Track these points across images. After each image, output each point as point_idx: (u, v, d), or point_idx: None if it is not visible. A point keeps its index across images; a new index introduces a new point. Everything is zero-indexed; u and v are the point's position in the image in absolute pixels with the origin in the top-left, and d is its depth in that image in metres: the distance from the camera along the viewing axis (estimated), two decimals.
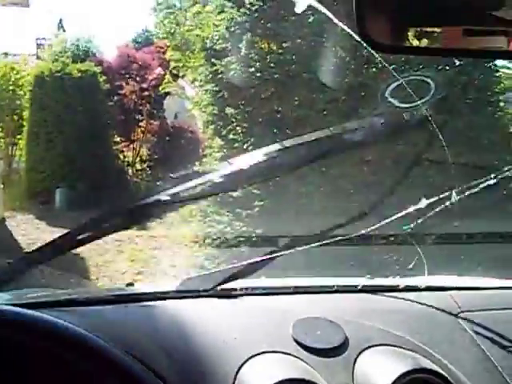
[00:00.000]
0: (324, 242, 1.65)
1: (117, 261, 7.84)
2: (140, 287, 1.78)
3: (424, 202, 1.59)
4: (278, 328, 1.46)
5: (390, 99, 1.42)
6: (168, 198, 1.51)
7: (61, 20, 15.46)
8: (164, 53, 12.41)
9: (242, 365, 1.35)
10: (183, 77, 11.59)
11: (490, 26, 1.22)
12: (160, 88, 12.57)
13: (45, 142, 11.23)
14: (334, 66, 6.13)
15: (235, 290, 1.66)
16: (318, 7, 1.30)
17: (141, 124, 13.60)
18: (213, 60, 7.46)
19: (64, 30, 14.83)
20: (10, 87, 12.35)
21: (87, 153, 11.05)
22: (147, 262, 7.79)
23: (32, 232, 9.22)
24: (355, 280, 1.81)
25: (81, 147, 11.02)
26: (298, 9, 1.31)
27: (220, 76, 7.28)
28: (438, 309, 1.62)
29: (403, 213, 1.60)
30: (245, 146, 6.70)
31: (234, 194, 6.76)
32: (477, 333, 1.53)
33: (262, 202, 6.35)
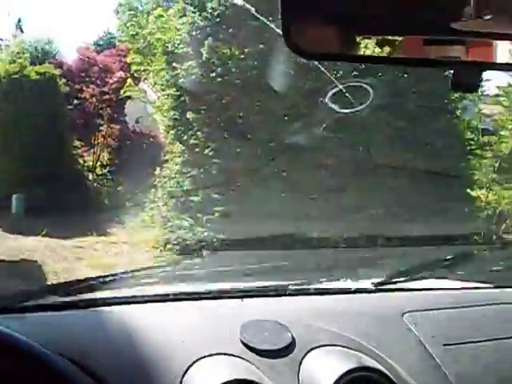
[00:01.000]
0: (277, 246, 1.66)
1: (76, 268, 7.74)
2: (91, 294, 1.76)
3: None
4: (226, 330, 1.46)
5: (331, 104, 1.44)
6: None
7: (19, 20, 15.21)
8: (125, 56, 12.32)
9: (189, 367, 1.35)
10: (145, 81, 11.53)
11: (447, 36, 1.24)
12: (121, 92, 12.48)
13: (1, 146, 11.03)
14: (294, 71, 6.16)
15: (184, 293, 1.66)
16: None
17: (101, 128, 13.47)
18: (174, 64, 7.44)
19: (22, 31, 14.62)
20: None
21: (45, 157, 10.88)
22: (107, 268, 7.71)
23: None
24: (305, 282, 1.83)
25: (39, 152, 10.84)
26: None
27: (181, 80, 7.27)
28: (385, 309, 1.65)
29: None
30: (205, 152, 6.70)
31: (195, 199, 6.76)
32: (420, 332, 1.56)
33: (222, 208, 6.36)
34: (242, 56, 7.04)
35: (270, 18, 6.58)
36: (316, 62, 5.74)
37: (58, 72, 11.76)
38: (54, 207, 10.19)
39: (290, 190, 5.54)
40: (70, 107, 12.44)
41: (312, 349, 1.44)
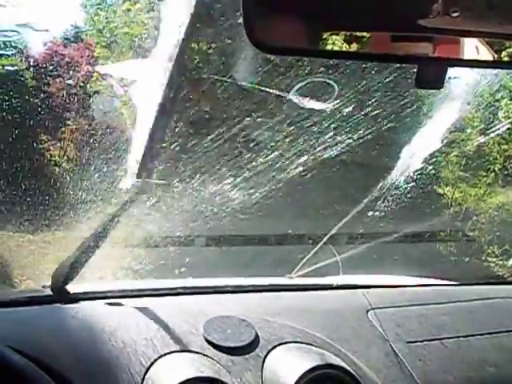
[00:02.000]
0: (236, 241, 1.65)
1: (42, 262, 7.66)
2: (56, 288, 1.74)
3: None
4: (190, 327, 1.46)
5: (295, 100, 1.44)
6: None
7: None
8: (93, 50, 12.19)
9: (151, 364, 1.34)
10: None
11: (415, 32, 1.25)
12: (88, 86, 12.35)
13: None
14: (261, 67, 6.17)
15: (146, 290, 1.65)
16: None
17: (68, 122, 13.32)
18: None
19: None
20: None
21: (11, 152, 10.74)
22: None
23: None
24: (270, 280, 1.83)
25: (4, 146, 10.70)
26: None
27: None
28: (349, 306, 1.65)
29: None
30: (172, 147, 6.67)
31: (158, 193, 6.72)
32: (384, 329, 1.56)
33: (181, 203, 6.34)
34: (210, 51, 7.02)
35: (238, 13, 6.57)
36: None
37: (24, 65, 11.58)
38: (21, 202, 10.06)
39: (252, 187, 5.56)
40: (36, 101, 12.28)
41: (275, 346, 1.44)
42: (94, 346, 1.38)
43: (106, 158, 11.74)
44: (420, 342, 1.56)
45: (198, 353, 1.40)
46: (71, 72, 13.63)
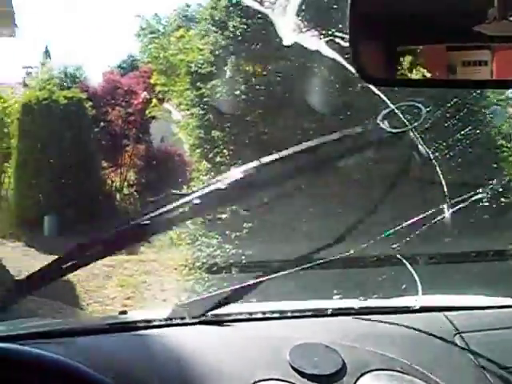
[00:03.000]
0: (313, 265, 1.65)
1: (106, 286, 7.79)
2: (133, 315, 1.76)
3: (414, 219, 1.60)
4: (275, 354, 1.45)
5: (381, 124, 1.44)
6: (151, 221, 1.51)
7: (47, 48, 15.50)
8: (149, 77, 12.44)
9: None
10: (169, 101, 11.62)
11: (473, 41, 1.24)
12: (146, 112, 12.61)
13: (32, 169, 11.20)
14: (319, 87, 6.16)
15: (229, 315, 1.65)
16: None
17: (127, 149, 13.61)
18: (198, 84, 7.48)
19: (50, 58, 14.87)
20: None
21: (75, 179, 11.03)
22: (137, 287, 7.74)
23: (21, 259, 9.15)
24: (348, 303, 1.81)
25: (68, 174, 11.00)
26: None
27: (206, 99, 7.31)
28: (433, 330, 1.61)
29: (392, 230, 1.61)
30: (231, 169, 6.70)
31: (222, 216, 6.76)
32: (474, 353, 1.52)
33: (250, 224, 6.33)
34: (265, 73, 7.06)
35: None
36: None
37: (84, 96, 11.93)
38: (84, 226, 10.30)
39: (319, 208, 5.52)
40: (96, 129, 12.61)
41: (363, 374, 1.42)
42: (181, 375, 1.38)
43: (164, 181, 11.93)
44: None
45: (285, 381, 1.39)
46: (128, 100, 13.97)
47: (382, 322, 1.67)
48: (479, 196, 1.60)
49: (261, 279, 1.65)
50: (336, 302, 1.84)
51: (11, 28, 10.29)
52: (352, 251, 1.72)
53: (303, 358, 1.43)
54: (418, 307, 1.71)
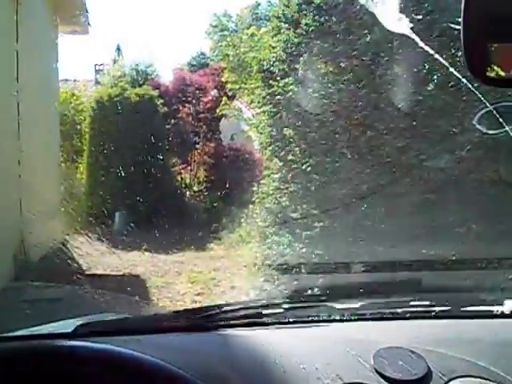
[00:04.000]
0: (392, 267, 1.61)
1: (176, 282, 7.88)
2: (211, 313, 1.76)
3: None
4: (359, 358, 1.42)
5: (478, 126, 1.39)
6: None
7: (118, 46, 15.79)
8: (219, 75, 12.52)
9: None
10: (240, 99, 11.67)
11: None
12: (217, 110, 12.69)
13: (104, 166, 11.45)
14: (393, 86, 6.04)
15: (310, 317, 1.63)
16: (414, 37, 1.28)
17: (198, 146, 13.74)
18: (270, 82, 7.48)
19: (122, 56, 15.16)
20: (71, 112, 12.66)
21: (145, 176, 11.22)
22: (206, 283, 7.80)
23: (92, 253, 9.38)
24: (430, 305, 1.77)
25: (139, 170, 11.19)
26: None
27: (277, 97, 7.29)
28: None
29: None
30: (303, 167, 6.67)
31: (293, 215, 6.73)
32: None
33: (321, 224, 6.28)
34: (338, 71, 6.98)
35: (366, 31, 6.51)
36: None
37: (156, 93, 12.10)
38: (154, 223, 10.48)
39: (394, 208, 5.40)
40: (167, 126, 12.78)
41: (449, 380, 1.38)
42: (265, 374, 1.37)
43: (234, 178, 12.00)
44: None
45: None
46: (199, 97, 14.10)
47: (466, 326, 1.62)
48: None
49: (340, 281, 1.62)
50: (418, 305, 1.79)
51: (84, 26, 10.54)
52: (431, 255, 1.67)
53: (387, 362, 1.40)
54: (503, 312, 1.65)
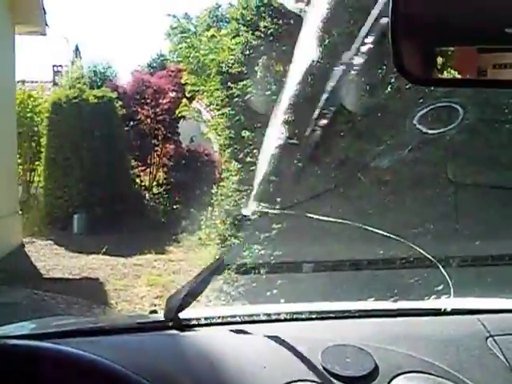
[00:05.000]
0: (343, 266, 1.63)
1: (135, 285, 7.84)
2: (163, 314, 1.76)
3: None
4: (307, 356, 1.44)
5: (418, 126, 1.43)
6: None
7: (77, 47, 15.65)
8: (178, 77, 12.49)
9: None
10: (199, 100, 11.66)
11: (507, 44, 1.23)
12: (176, 112, 12.65)
13: (62, 168, 11.33)
14: (350, 87, 6.11)
15: (260, 316, 1.65)
16: None
17: (157, 148, 13.69)
18: (229, 84, 7.49)
19: (80, 57, 15.02)
20: (28, 114, 12.49)
21: (104, 178, 11.13)
22: (166, 286, 7.78)
23: (51, 257, 9.27)
24: (380, 304, 1.80)
25: (97, 173, 11.10)
26: None
27: (236, 99, 7.31)
28: (466, 333, 1.59)
29: None
30: (284, 173, 6.68)
31: (252, 217, 6.75)
32: (508, 357, 1.49)
33: (279, 225, 6.31)
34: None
35: (325, 35, 6.57)
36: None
37: (114, 95, 12.02)
38: (113, 226, 10.40)
39: (349, 208, 5.46)
40: (126, 128, 12.70)
41: (395, 376, 1.40)
42: (214, 375, 1.38)
43: (193, 180, 11.98)
44: None
45: (317, 382, 1.37)
46: (158, 99, 14.04)
47: (414, 324, 1.65)
48: None
49: (290, 280, 1.64)
50: (367, 304, 1.83)
51: (41, 26, 10.41)
52: (380, 255, 1.70)
53: (335, 360, 1.42)
54: (450, 310, 1.69)
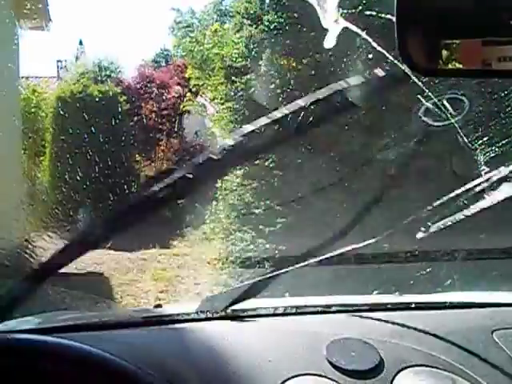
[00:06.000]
0: (348, 259, 1.62)
1: (140, 280, 7.85)
2: (169, 309, 1.76)
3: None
4: (312, 349, 1.44)
5: (424, 118, 1.41)
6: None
7: (81, 42, 15.62)
8: (182, 71, 12.48)
9: None
10: (203, 95, 11.64)
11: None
12: (180, 106, 12.64)
13: (67, 163, 11.33)
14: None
15: (265, 309, 1.65)
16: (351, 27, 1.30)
17: (161, 143, 13.68)
18: (233, 78, 7.49)
19: (84, 52, 15.00)
20: (32, 109, 12.49)
21: (108, 173, 11.13)
22: (170, 280, 7.79)
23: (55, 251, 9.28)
24: (384, 298, 1.80)
25: (102, 167, 11.10)
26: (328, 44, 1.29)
27: (240, 93, 7.30)
28: (470, 326, 1.59)
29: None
30: (266, 163, 6.69)
31: (256, 211, 6.75)
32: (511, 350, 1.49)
33: (284, 219, 6.32)
34: (300, 67, 7.02)
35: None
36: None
37: (119, 90, 12.01)
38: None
39: (354, 202, 5.45)
40: (131, 123, 12.69)
41: (401, 369, 1.40)
42: (219, 369, 1.38)
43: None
44: None
45: (323, 376, 1.37)
46: (162, 94, 14.03)
47: (419, 317, 1.65)
48: None
49: (291, 269, 1.64)
50: (372, 297, 1.82)
51: (45, 21, 10.40)
52: (385, 248, 1.69)
53: (340, 353, 1.42)
54: (455, 303, 1.69)
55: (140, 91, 13.47)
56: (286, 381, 1.35)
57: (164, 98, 13.47)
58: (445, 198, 1.51)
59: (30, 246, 9.79)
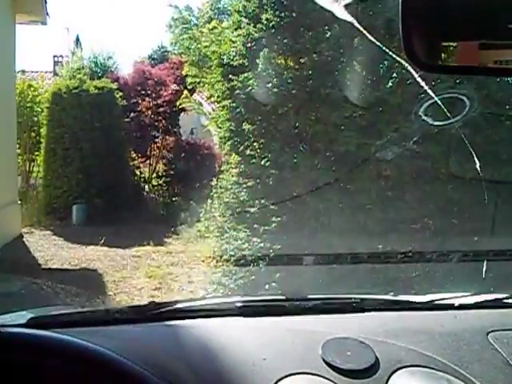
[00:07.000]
0: (345, 260, 1.62)
1: (134, 277, 7.84)
2: (162, 305, 1.76)
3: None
4: (307, 348, 1.44)
5: (424, 117, 1.41)
6: None
7: (78, 37, 15.61)
8: (179, 69, 12.46)
9: None
10: (200, 93, 11.62)
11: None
12: (176, 104, 12.63)
13: (62, 159, 11.32)
14: (352, 81, 6.10)
15: (261, 308, 1.64)
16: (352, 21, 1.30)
17: (157, 140, 13.67)
18: (230, 76, 7.46)
19: (81, 47, 14.98)
20: (28, 104, 12.47)
21: (103, 169, 11.12)
22: (164, 278, 7.78)
23: (49, 248, 9.27)
24: (379, 298, 1.79)
25: (97, 163, 11.09)
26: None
27: (237, 92, 7.27)
28: (466, 327, 1.59)
29: None
30: (262, 162, 6.68)
31: (251, 209, 6.74)
32: (507, 352, 1.49)
33: (279, 218, 6.31)
34: (298, 66, 7.01)
35: (326, 28, 6.55)
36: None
37: (115, 86, 12.00)
38: (113, 217, 10.39)
39: (349, 203, 5.45)
40: (126, 120, 12.68)
41: (396, 369, 1.40)
42: (214, 366, 1.37)
43: (193, 173, 11.96)
44: None
45: (318, 375, 1.37)
46: (159, 91, 14.01)
47: (414, 318, 1.65)
48: None
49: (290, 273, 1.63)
50: (368, 297, 1.82)
51: (42, 16, 10.37)
52: (380, 248, 1.69)
53: (336, 353, 1.42)
54: (451, 304, 1.69)
55: (137, 87, 13.46)
56: (280, 379, 1.35)
57: (160, 94, 13.45)
58: (440, 200, 1.51)
59: (23, 241, 9.79)
